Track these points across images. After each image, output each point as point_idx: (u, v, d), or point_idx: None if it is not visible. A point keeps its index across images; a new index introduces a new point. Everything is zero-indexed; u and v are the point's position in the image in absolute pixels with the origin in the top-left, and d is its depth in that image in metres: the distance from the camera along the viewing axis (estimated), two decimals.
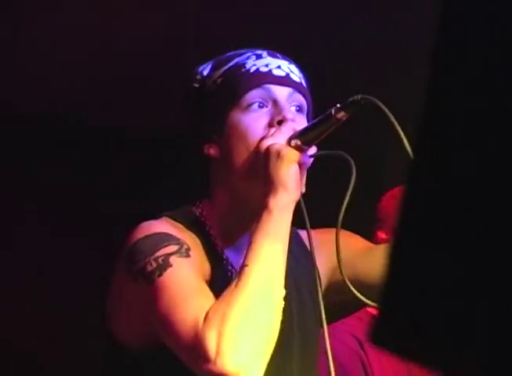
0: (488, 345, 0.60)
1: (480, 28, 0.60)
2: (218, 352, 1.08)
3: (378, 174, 2.48)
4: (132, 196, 2.28)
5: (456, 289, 0.61)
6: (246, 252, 1.18)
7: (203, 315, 1.11)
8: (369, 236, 1.73)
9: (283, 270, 1.19)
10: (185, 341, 1.13)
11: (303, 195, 1.25)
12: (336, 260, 1.24)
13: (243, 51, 1.33)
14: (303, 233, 1.34)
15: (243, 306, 1.13)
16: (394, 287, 0.63)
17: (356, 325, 1.75)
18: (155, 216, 1.31)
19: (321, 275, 1.32)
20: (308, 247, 1.28)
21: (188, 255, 1.22)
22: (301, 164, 1.22)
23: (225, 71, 1.29)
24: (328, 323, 1.29)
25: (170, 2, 2.97)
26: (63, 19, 3.21)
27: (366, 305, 1.28)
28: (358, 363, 1.77)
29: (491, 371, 0.61)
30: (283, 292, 1.18)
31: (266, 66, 1.28)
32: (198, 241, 1.29)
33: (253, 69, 1.28)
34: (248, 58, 1.30)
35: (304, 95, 1.29)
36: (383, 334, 0.63)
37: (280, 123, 1.24)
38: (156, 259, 1.19)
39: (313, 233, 1.29)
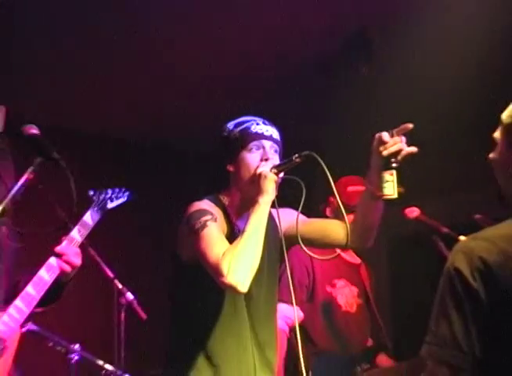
0: None
1: None
2: (228, 273, 2.24)
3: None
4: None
5: None
6: (245, 224, 2.44)
7: (222, 252, 2.29)
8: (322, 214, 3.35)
9: (263, 232, 2.42)
10: (212, 266, 2.30)
11: (276, 197, 2.54)
12: (288, 224, 2.60)
13: (250, 119, 2.66)
14: (273, 211, 2.61)
15: (241, 248, 2.32)
16: None
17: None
18: (201, 198, 2.65)
19: (280, 230, 2.65)
20: (276, 218, 2.61)
21: (216, 221, 2.47)
22: (275, 182, 2.48)
23: (240, 130, 2.62)
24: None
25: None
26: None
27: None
28: (305, 269, 3.35)
29: None
30: (262, 242, 2.39)
31: (261, 129, 2.63)
32: (221, 214, 2.55)
33: (254, 130, 2.62)
34: (252, 124, 2.63)
35: (278, 145, 2.61)
36: None
37: (266, 160, 2.54)
38: (200, 222, 2.45)
39: (279, 210, 2.62)
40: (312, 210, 2.86)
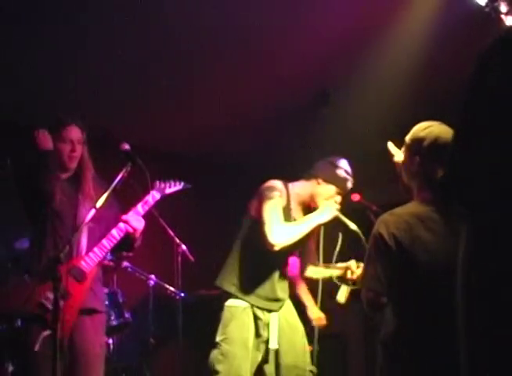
0: None
1: None
2: (274, 235, 3.24)
3: None
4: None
5: None
6: (300, 217, 3.43)
7: (276, 221, 3.28)
8: None
9: (305, 232, 3.33)
10: (266, 226, 3.26)
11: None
12: None
13: (348, 170, 3.51)
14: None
15: (291, 228, 3.30)
16: None
17: None
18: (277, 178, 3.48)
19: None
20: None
21: (281, 197, 3.36)
22: (333, 217, 3.41)
23: (342, 172, 3.53)
24: None
25: None
26: None
27: None
28: None
29: None
30: (301, 236, 3.31)
31: (348, 183, 3.51)
32: (285, 196, 3.44)
33: (347, 182, 3.51)
34: (347, 175, 3.49)
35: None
36: None
37: (340, 196, 3.51)
38: (271, 193, 3.34)
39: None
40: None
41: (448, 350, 1.97)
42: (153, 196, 3.35)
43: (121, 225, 3.14)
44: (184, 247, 4.62)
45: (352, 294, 3.24)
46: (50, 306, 2.82)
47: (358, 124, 4.75)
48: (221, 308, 3.41)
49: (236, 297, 3.36)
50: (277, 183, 3.44)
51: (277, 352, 3.45)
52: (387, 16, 3.84)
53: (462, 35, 3.82)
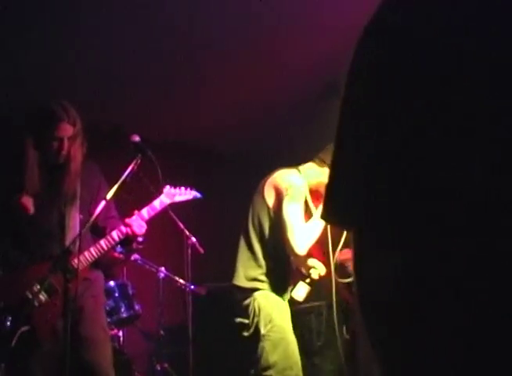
0: None
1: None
2: (296, 244, 3.20)
3: None
4: None
5: None
6: (315, 216, 3.30)
7: (298, 226, 3.21)
8: None
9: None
10: (290, 240, 3.23)
11: None
12: None
13: None
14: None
15: (311, 232, 3.25)
16: None
17: None
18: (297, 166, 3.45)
19: None
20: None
21: (301, 201, 3.28)
22: None
23: None
24: None
25: None
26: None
27: None
28: None
29: None
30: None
31: None
32: (306, 190, 3.38)
33: None
34: None
35: None
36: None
37: None
38: (295, 196, 3.24)
39: None
40: None
41: None
42: (161, 202, 3.34)
43: (123, 228, 3.14)
44: (194, 239, 4.61)
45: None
46: (30, 297, 2.85)
47: None
48: (238, 300, 3.37)
49: (262, 287, 3.34)
50: (299, 181, 3.38)
51: None
52: None
53: None
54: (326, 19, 4.13)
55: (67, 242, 3.01)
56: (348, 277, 3.50)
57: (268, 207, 3.38)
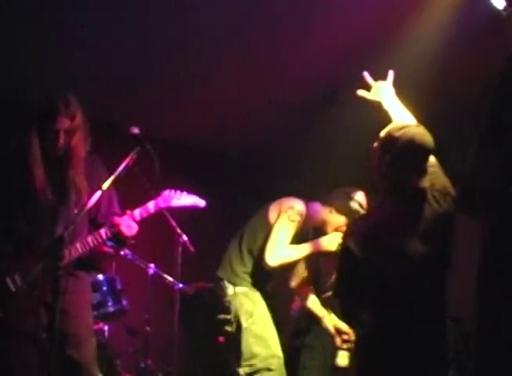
0: None
1: None
2: (271, 257, 3.44)
3: None
4: None
5: None
6: (308, 243, 3.51)
7: (282, 243, 3.46)
8: None
9: (309, 253, 3.51)
10: (270, 244, 3.47)
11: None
12: None
13: None
14: None
15: (289, 254, 3.49)
16: None
17: None
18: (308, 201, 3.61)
19: None
20: None
21: (298, 224, 3.50)
22: (334, 251, 3.41)
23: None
24: None
25: None
26: None
27: None
28: None
29: None
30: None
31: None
32: (303, 222, 3.56)
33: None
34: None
35: None
36: None
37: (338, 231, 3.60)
38: (292, 216, 3.48)
39: None
40: None
41: (421, 349, 2.17)
42: (156, 204, 3.29)
43: (110, 227, 3.12)
44: (185, 237, 4.54)
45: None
46: (9, 285, 2.85)
47: (367, 124, 4.73)
48: (221, 297, 3.59)
49: (244, 285, 3.58)
50: (301, 208, 3.58)
51: None
52: (402, 16, 3.88)
53: (478, 38, 3.88)
54: (324, 29, 4.18)
55: (58, 234, 2.98)
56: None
57: (269, 221, 3.59)
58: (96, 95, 4.74)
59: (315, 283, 3.97)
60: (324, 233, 3.55)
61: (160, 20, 4.21)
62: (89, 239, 3.08)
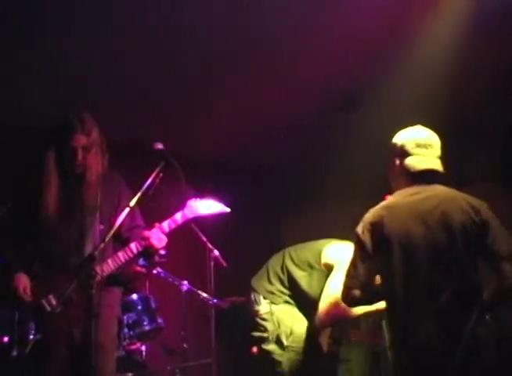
0: None
1: None
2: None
3: None
4: None
5: None
6: None
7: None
8: None
9: None
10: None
11: None
12: None
13: None
14: None
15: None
16: None
17: None
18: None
19: None
20: None
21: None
22: None
23: None
24: None
25: None
26: None
27: None
28: None
29: None
30: None
31: None
32: None
33: None
34: None
35: None
36: None
37: None
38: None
39: None
40: None
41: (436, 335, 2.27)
42: (184, 215, 3.30)
43: (141, 240, 3.13)
44: (217, 252, 4.59)
45: None
46: (46, 307, 2.89)
47: (386, 129, 4.76)
48: (255, 313, 3.61)
49: (279, 302, 3.60)
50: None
51: None
52: (418, 15, 3.84)
53: (494, 34, 3.83)
54: (342, 33, 4.16)
55: (86, 253, 3.00)
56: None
57: (318, 263, 3.68)
58: (116, 113, 4.80)
59: None
60: None
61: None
62: (120, 254, 3.09)
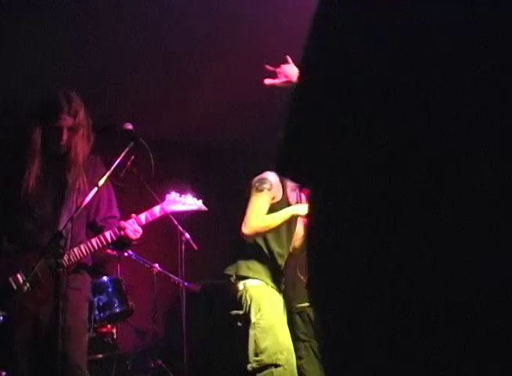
0: None
1: None
2: (246, 227, 3.40)
3: None
4: None
5: None
6: (283, 210, 3.46)
7: (256, 214, 3.41)
8: None
9: (285, 219, 3.48)
10: (246, 216, 3.40)
11: None
12: None
13: None
14: None
15: (264, 222, 3.44)
16: None
17: None
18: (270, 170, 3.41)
19: None
20: None
21: (269, 190, 3.45)
22: None
23: None
24: None
25: None
26: None
27: None
28: None
29: None
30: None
31: None
32: (280, 186, 3.54)
33: None
34: None
35: None
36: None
37: None
38: (260, 186, 3.41)
39: None
40: None
41: None
42: (162, 209, 3.31)
43: (116, 230, 3.12)
44: (188, 235, 4.57)
45: None
46: (12, 285, 2.87)
47: None
48: (232, 292, 3.53)
49: (254, 278, 3.50)
50: (269, 175, 3.52)
51: None
52: None
53: None
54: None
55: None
56: None
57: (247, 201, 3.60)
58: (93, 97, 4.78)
59: None
60: None
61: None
62: (93, 241, 3.07)
